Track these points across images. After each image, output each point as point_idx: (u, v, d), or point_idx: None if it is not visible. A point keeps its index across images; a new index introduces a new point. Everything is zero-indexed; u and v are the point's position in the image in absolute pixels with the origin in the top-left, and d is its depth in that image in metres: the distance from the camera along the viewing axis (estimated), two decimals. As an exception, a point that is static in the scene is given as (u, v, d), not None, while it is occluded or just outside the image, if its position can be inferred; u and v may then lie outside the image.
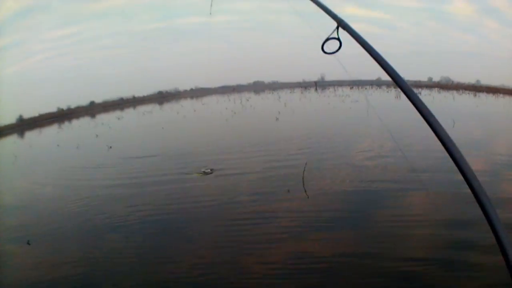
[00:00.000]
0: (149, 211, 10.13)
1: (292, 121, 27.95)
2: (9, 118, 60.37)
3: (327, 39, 2.85)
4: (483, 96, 45.19)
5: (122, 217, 9.82)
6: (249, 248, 7.56)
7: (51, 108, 77.73)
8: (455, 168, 1.85)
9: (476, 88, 56.30)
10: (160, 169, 14.56)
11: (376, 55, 2.76)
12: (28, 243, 8.60)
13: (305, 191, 10.64)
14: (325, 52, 2.89)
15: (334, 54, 2.99)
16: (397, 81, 2.66)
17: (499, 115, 27.69)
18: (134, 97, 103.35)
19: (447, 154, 1.87)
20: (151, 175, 13.72)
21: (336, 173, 12.41)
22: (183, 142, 21.49)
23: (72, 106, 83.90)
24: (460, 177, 1.78)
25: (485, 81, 54.65)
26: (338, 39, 2.85)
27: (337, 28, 2.79)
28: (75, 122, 52.98)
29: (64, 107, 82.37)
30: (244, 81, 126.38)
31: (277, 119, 28.37)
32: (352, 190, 10.78)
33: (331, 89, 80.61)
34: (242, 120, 31.82)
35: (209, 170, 13.17)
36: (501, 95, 43.98)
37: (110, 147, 21.65)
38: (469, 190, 1.72)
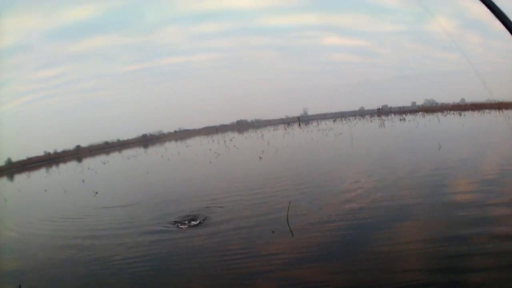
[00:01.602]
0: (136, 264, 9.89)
1: (275, 160, 28.17)
2: (-1, 160, 60.56)
3: None
4: (468, 114, 46.17)
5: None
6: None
7: (39, 151, 77.94)
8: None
9: (461, 107, 57.05)
10: (148, 218, 14.11)
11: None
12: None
13: (290, 230, 10.63)
14: None
15: None
16: None
17: (484, 131, 28.52)
18: (119, 141, 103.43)
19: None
20: (139, 225, 13.30)
21: (321, 209, 12.36)
22: (168, 187, 21.45)
23: (59, 150, 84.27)
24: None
25: (470, 98, 55.52)
26: None
27: None
28: (62, 166, 52.99)
29: (51, 150, 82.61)
30: (227, 120, 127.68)
31: (260, 158, 28.63)
32: (337, 225, 10.71)
33: (315, 123, 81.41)
34: (225, 161, 32.03)
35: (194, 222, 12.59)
36: (487, 110, 44.87)
37: (96, 192, 21.66)
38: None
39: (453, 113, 51.47)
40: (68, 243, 12.07)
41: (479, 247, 7.81)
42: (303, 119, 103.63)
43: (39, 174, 44.67)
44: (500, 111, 39.50)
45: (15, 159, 66.46)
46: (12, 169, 57.56)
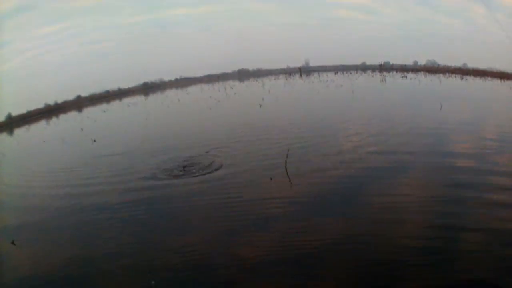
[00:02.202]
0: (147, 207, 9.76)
1: (275, 108, 27.85)
2: (-1, 117, 60.17)
3: None
4: (470, 79, 44.78)
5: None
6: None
7: (39, 104, 77.10)
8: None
9: (462, 71, 55.45)
10: (143, 165, 13.82)
11: None
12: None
13: (288, 177, 10.53)
14: None
15: None
16: None
17: (486, 97, 27.55)
18: (119, 89, 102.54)
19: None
20: (135, 171, 13.08)
21: (320, 158, 12.34)
22: (165, 134, 21.26)
23: (59, 101, 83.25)
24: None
25: (472, 64, 54.12)
26: None
27: None
28: (62, 117, 52.48)
29: (52, 102, 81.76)
30: (228, 69, 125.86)
31: (260, 106, 28.22)
32: (334, 173, 10.73)
33: (316, 74, 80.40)
34: (225, 108, 31.65)
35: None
36: (489, 77, 43.40)
37: (94, 140, 21.39)
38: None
39: (455, 76, 50.20)
40: (62, 193, 11.86)
41: (472, 209, 7.69)
42: (305, 70, 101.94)
43: (39, 126, 44.16)
44: (502, 80, 38.64)
45: (15, 113, 65.71)
46: (12, 123, 57.01)
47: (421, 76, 53.48)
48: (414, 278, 5.62)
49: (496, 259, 5.89)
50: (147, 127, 25.29)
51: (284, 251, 6.72)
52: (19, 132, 43.45)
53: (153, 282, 6.01)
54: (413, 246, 6.51)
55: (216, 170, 12.01)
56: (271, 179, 10.58)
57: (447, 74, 53.81)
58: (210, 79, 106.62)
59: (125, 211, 9.41)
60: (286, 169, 11.07)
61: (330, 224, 7.64)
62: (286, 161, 11.42)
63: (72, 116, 50.81)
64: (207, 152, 14.44)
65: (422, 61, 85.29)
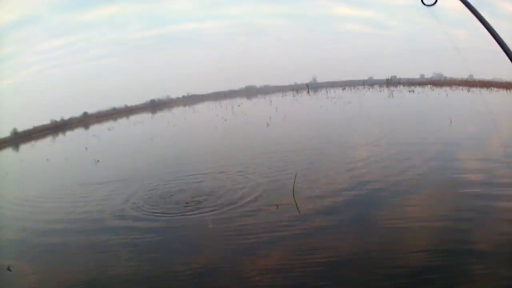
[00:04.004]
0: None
1: (282, 127, 27.32)
2: (4, 132, 60.14)
3: None
4: (476, 90, 44.17)
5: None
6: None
7: (45, 120, 77.34)
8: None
9: (469, 83, 55.26)
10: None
11: (478, 15, 3.21)
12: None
13: (296, 205, 9.82)
14: (424, 4, 3.46)
15: (432, 6, 3.49)
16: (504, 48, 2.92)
17: (496, 109, 26.43)
18: (126, 106, 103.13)
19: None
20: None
21: (328, 182, 11.59)
22: (167, 156, 20.60)
23: (66, 118, 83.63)
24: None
25: (478, 75, 53.71)
26: None
27: None
28: (68, 134, 52.63)
29: (58, 118, 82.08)
30: (236, 86, 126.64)
31: (267, 125, 27.69)
32: (346, 198, 10.02)
33: (323, 91, 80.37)
34: (231, 128, 31.07)
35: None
36: (494, 88, 42.71)
37: (98, 161, 21.00)
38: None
39: (462, 88, 49.37)
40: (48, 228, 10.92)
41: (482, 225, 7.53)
42: (312, 86, 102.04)
43: (44, 143, 44.08)
44: (508, 91, 38.02)
45: (21, 129, 65.75)
46: (17, 139, 56.98)
47: (428, 89, 53.20)
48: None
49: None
50: (151, 149, 24.68)
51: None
52: (24, 148, 43.34)
53: None
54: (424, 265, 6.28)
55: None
56: (277, 207, 9.87)
57: (454, 87, 53.49)
58: (217, 96, 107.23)
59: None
60: (294, 195, 10.40)
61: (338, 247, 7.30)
62: (293, 187, 10.78)
63: (78, 133, 50.86)
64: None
65: (428, 74, 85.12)
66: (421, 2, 3.43)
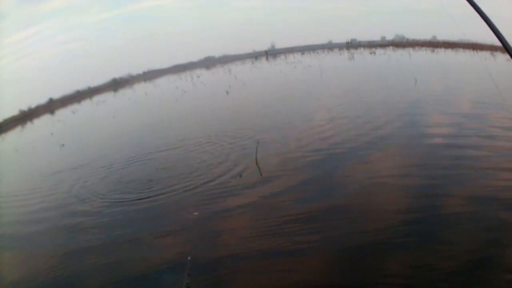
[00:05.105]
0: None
1: (242, 94, 27.27)
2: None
3: None
4: (441, 51, 43.90)
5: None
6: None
7: (14, 111, 75.43)
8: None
9: (432, 44, 54.84)
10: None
11: (481, 12, 3.21)
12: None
13: (260, 170, 9.75)
14: None
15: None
16: (500, 38, 3.02)
17: (461, 69, 26.27)
18: (89, 88, 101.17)
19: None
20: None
21: (291, 145, 11.63)
22: (129, 133, 20.14)
23: (33, 106, 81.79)
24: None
25: (442, 36, 53.53)
26: None
27: None
28: (36, 122, 51.13)
29: (25, 108, 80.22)
30: (195, 58, 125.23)
31: (227, 93, 27.57)
32: (308, 159, 10.09)
33: (282, 56, 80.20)
34: (191, 99, 30.90)
35: None
36: (461, 49, 42.48)
37: (63, 145, 20.51)
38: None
39: (425, 49, 49.11)
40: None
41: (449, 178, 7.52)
42: (271, 53, 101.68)
43: (14, 134, 42.65)
44: (475, 51, 37.37)
45: (-9, 123, 63.92)
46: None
47: (389, 51, 52.76)
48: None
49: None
50: (114, 126, 24.47)
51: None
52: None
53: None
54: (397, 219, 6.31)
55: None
56: (240, 176, 9.66)
57: (417, 48, 53.38)
58: (177, 69, 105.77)
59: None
60: (256, 163, 10.31)
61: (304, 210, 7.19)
62: (256, 154, 10.63)
63: (44, 120, 49.50)
64: (164, 150, 13.59)
65: (390, 36, 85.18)
66: None
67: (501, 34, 3.02)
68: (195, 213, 7.67)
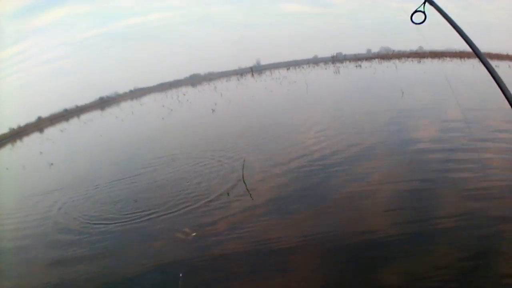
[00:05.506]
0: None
1: (228, 112, 27.44)
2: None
3: (415, 11, 3.47)
4: (428, 61, 44.15)
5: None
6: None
7: (3, 129, 75.20)
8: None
9: (419, 55, 54.98)
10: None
11: (459, 29, 3.36)
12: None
13: (248, 191, 9.67)
14: (413, 22, 3.51)
15: (421, 24, 3.55)
16: (477, 54, 3.26)
17: (448, 78, 25.05)
18: (77, 106, 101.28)
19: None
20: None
21: (278, 163, 11.51)
22: (115, 152, 20.30)
23: (22, 124, 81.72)
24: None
25: (428, 46, 54.09)
26: (424, 12, 3.45)
27: (424, 3, 3.40)
28: (25, 140, 51.03)
29: (15, 126, 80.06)
30: (181, 76, 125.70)
31: (213, 111, 27.85)
32: (296, 175, 10.14)
33: (268, 72, 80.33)
34: (177, 117, 31.15)
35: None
36: (448, 58, 43.04)
37: (52, 164, 20.72)
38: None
39: (412, 60, 49.65)
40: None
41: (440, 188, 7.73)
42: (256, 69, 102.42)
43: (4, 152, 42.52)
44: (462, 60, 38.10)
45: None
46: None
47: (375, 63, 53.18)
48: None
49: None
50: (101, 145, 24.61)
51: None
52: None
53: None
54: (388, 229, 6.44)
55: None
56: (228, 194, 9.65)
57: (403, 59, 53.70)
58: (163, 87, 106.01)
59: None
60: (244, 181, 10.31)
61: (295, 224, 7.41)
62: (243, 173, 10.66)
63: (34, 138, 49.44)
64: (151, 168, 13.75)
65: (375, 49, 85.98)
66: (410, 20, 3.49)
67: (471, 41, 3.36)
68: (194, 234, 7.69)
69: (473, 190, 7.33)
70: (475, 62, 31.21)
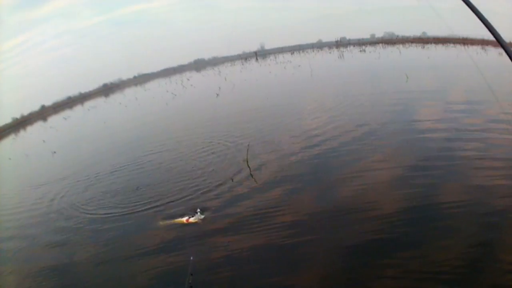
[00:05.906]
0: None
1: (232, 96, 26.97)
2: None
3: None
4: (431, 47, 43.56)
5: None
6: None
7: (7, 119, 74.85)
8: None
9: (423, 40, 54.56)
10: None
11: (476, 10, 3.18)
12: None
13: (252, 176, 9.49)
14: None
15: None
16: (496, 36, 3.02)
17: (452, 64, 25.81)
18: (80, 94, 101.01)
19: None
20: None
21: (281, 147, 11.42)
22: (118, 139, 19.93)
23: (25, 114, 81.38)
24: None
25: (432, 32, 53.16)
26: None
27: None
28: (29, 129, 50.79)
29: (18, 116, 79.73)
30: (185, 60, 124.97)
31: (217, 95, 27.30)
32: (303, 159, 9.99)
33: (272, 57, 79.89)
34: (181, 102, 30.75)
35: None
36: (451, 44, 42.29)
37: (54, 152, 20.27)
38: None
39: (415, 46, 48.81)
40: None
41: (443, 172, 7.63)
42: (260, 54, 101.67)
43: (7, 142, 42.15)
44: (466, 46, 37.33)
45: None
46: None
47: (380, 48, 52.45)
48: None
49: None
50: (104, 132, 24.28)
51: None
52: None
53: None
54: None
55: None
56: (232, 180, 9.45)
57: (407, 44, 53.15)
58: (167, 72, 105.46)
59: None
60: (248, 165, 10.15)
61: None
62: (247, 158, 10.54)
63: (37, 127, 49.15)
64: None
65: (379, 34, 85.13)
66: None
67: (493, 27, 3.00)
68: (202, 217, 7.60)
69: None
70: (478, 48, 31.47)
